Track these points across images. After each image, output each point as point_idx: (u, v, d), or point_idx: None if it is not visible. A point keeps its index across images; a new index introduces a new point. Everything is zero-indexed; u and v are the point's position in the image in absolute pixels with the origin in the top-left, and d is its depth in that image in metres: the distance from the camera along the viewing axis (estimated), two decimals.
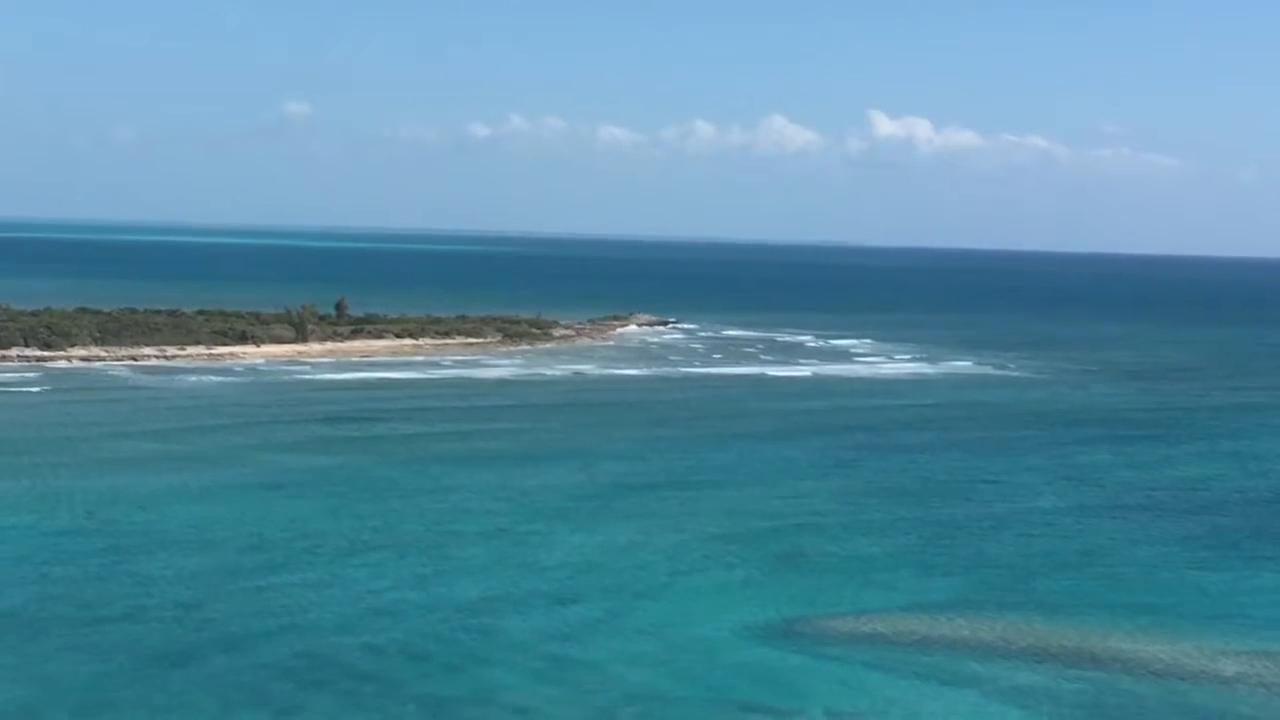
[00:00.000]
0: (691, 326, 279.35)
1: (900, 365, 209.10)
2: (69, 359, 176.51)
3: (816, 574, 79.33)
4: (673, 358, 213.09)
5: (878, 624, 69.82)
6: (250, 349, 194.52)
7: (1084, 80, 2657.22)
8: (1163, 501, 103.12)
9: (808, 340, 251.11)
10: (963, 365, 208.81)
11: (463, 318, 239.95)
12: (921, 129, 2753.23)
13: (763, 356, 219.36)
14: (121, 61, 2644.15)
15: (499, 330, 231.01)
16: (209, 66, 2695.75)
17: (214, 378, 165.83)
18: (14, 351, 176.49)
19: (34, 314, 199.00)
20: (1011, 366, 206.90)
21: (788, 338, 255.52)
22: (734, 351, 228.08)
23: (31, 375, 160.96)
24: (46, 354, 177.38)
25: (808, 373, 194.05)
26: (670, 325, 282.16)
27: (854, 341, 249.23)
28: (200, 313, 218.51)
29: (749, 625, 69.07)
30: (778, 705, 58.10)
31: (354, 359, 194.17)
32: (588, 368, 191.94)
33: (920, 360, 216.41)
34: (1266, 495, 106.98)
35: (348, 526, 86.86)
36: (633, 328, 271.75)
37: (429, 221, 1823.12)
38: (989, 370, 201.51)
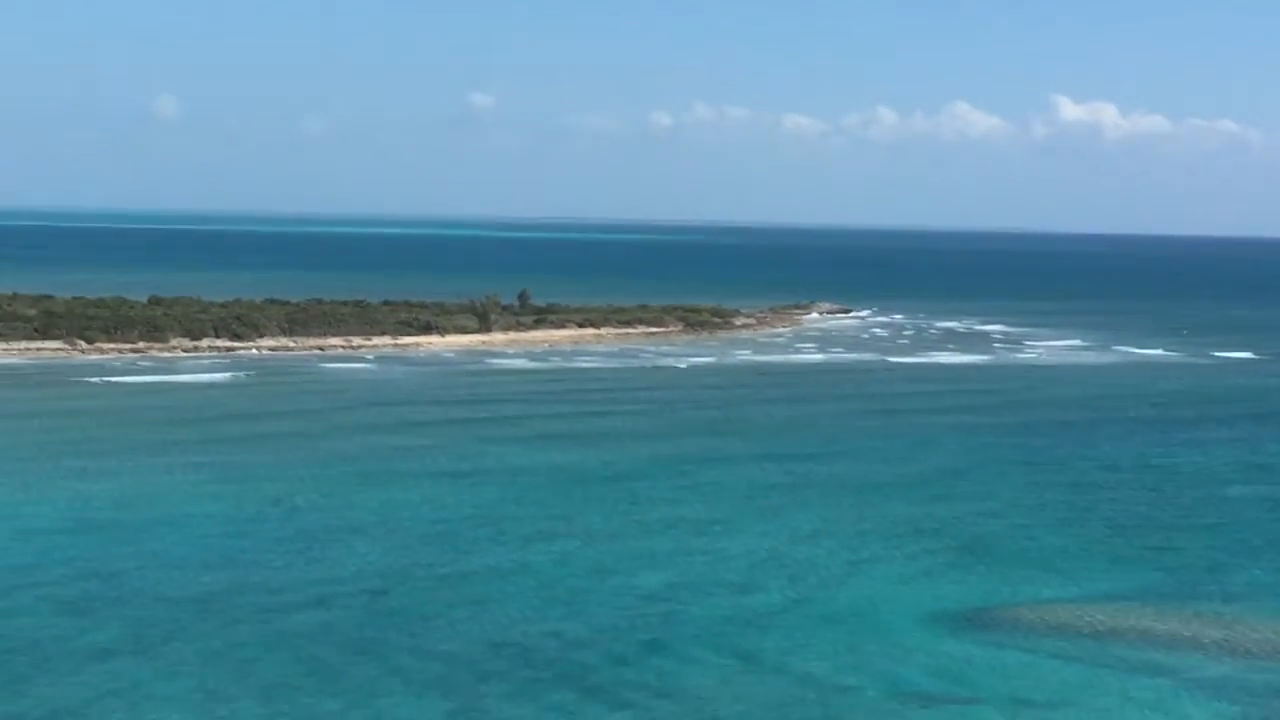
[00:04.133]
0: (874, 314, 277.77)
1: (1086, 353, 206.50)
2: (258, 349, 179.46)
3: (999, 564, 78.59)
4: (854, 346, 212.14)
5: (1062, 614, 69.00)
6: (435, 339, 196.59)
7: (1276, 64, 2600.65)
8: None
9: (993, 327, 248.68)
10: (1154, 353, 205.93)
11: (644, 307, 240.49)
12: (1108, 114, 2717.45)
13: (945, 344, 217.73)
14: (311, 56, 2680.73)
15: (680, 319, 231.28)
16: (396, 59, 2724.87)
17: (399, 367, 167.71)
18: (205, 342, 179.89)
19: (224, 305, 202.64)
20: (1205, 353, 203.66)
21: (972, 325, 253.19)
22: (917, 339, 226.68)
23: (221, 364, 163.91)
24: (236, 344, 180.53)
25: (991, 360, 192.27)
26: (852, 313, 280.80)
27: (1038, 329, 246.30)
28: (385, 303, 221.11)
29: (931, 615, 68.59)
30: (960, 695, 57.65)
31: (537, 348, 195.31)
32: (769, 357, 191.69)
33: (1108, 347, 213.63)
34: None
35: (531, 514, 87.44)
36: (814, 316, 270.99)
37: (611, 212, 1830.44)
38: (1181, 357, 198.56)
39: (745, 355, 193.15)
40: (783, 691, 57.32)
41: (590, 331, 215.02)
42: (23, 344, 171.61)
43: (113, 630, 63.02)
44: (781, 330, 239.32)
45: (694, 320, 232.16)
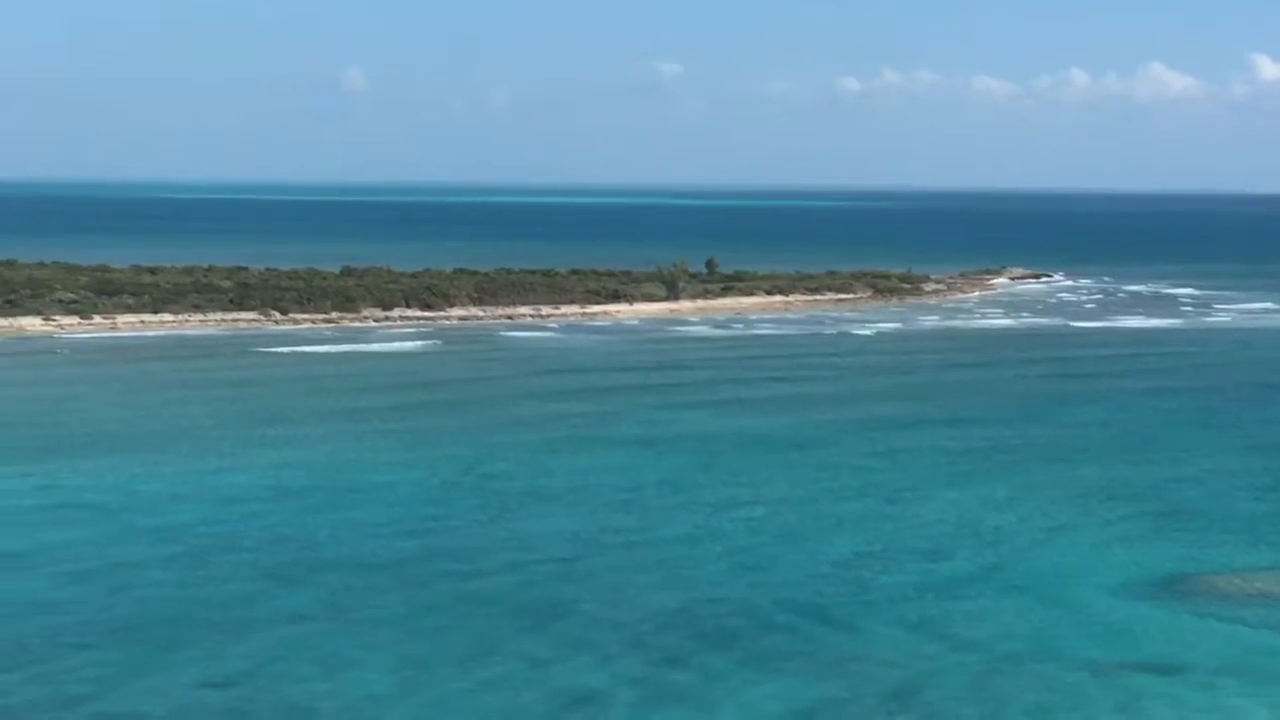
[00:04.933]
0: (1066, 279, 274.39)
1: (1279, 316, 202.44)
2: (448, 319, 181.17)
3: (1198, 531, 77.17)
4: (1043, 310, 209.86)
5: (1262, 582, 67.56)
6: (623, 307, 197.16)
7: None
8: None
9: (1183, 291, 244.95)
10: None
11: (832, 273, 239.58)
12: None
13: (1134, 308, 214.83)
14: (497, 26, 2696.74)
15: (869, 285, 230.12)
16: (583, 29, 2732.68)
17: (586, 335, 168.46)
18: (396, 312, 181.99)
19: (414, 275, 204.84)
20: None
21: (1161, 289, 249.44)
22: (1105, 303, 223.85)
23: (412, 333, 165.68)
24: (426, 314, 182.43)
25: (1181, 324, 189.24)
26: (1042, 278, 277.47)
27: (1229, 292, 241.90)
28: (574, 272, 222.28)
29: (1128, 583, 67.51)
30: (1159, 664, 56.56)
31: (725, 315, 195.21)
32: (956, 322, 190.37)
33: None
34: None
35: (721, 481, 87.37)
36: (1004, 281, 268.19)
37: (798, 178, 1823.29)
38: None
39: (933, 321, 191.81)
40: (974, 660, 56.72)
41: (778, 299, 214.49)
42: (219, 315, 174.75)
43: (309, 596, 63.92)
44: (970, 295, 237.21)
45: (883, 286, 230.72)
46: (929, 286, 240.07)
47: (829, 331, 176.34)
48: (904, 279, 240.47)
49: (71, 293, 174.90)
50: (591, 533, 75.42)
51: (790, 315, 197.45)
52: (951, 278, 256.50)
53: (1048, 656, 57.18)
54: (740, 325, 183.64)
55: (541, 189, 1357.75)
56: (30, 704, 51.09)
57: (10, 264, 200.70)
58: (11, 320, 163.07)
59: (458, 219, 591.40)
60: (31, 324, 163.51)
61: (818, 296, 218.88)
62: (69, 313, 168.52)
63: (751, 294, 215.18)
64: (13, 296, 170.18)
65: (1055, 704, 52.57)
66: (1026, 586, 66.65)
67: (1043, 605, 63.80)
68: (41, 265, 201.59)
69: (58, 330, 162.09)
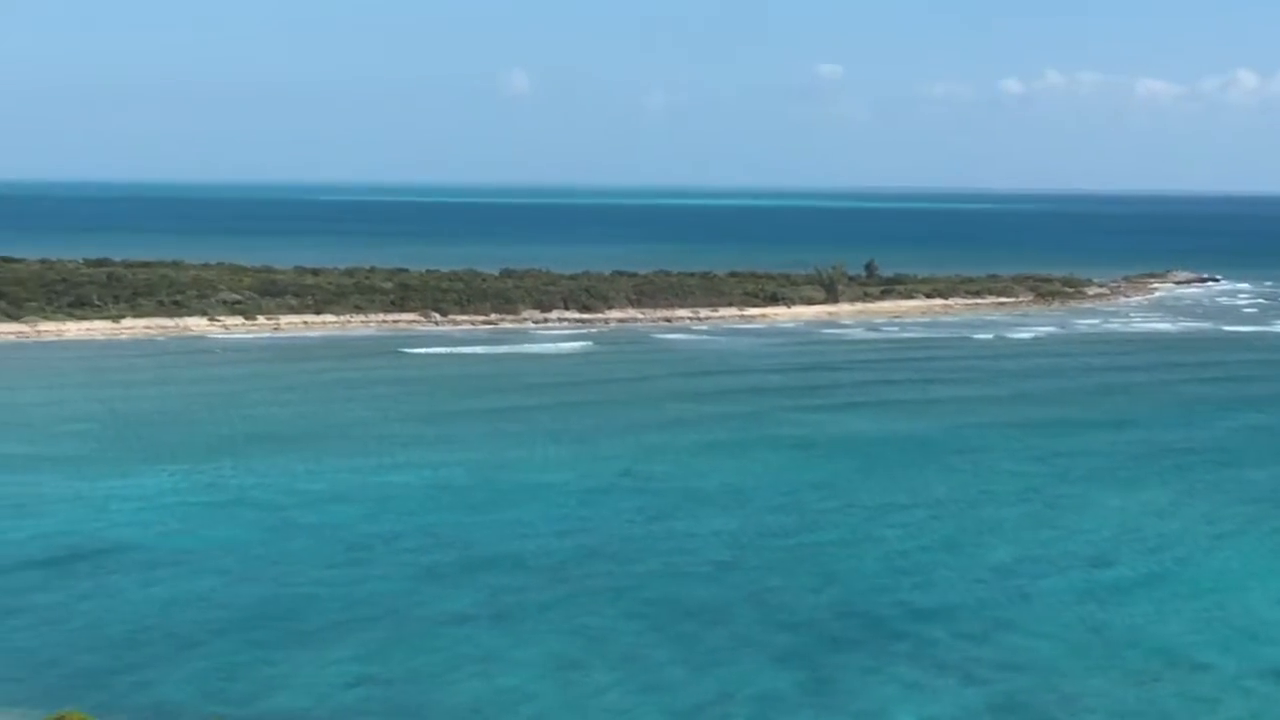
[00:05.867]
0: (1234, 284, 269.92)
1: None
2: (606, 321, 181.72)
3: None
4: (1207, 315, 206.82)
5: None
6: (781, 310, 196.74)
7: None
8: None
9: None
10: None
11: (993, 277, 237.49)
12: None
13: None
14: (660, 29, 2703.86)
15: (1031, 289, 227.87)
16: (744, 32, 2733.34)
17: (744, 338, 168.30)
18: (555, 314, 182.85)
19: (573, 278, 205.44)
20: None
21: None
22: (1271, 309, 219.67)
23: (570, 335, 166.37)
24: (585, 315, 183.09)
25: None
26: (1208, 282, 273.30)
27: None
28: (732, 274, 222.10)
29: None
30: None
31: (883, 318, 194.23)
32: (1117, 326, 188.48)
33: None
34: None
35: (879, 486, 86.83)
36: (1169, 285, 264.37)
37: (959, 181, 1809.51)
38: None
39: (1092, 324, 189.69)
40: (1138, 668, 55.92)
41: (938, 302, 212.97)
42: (380, 316, 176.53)
43: (468, 597, 64.28)
44: (1132, 300, 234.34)
45: (1044, 290, 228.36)
46: (1091, 290, 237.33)
47: (987, 335, 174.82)
48: (1066, 283, 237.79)
49: (236, 293, 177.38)
50: (748, 535, 75.28)
51: (948, 319, 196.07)
52: (1115, 282, 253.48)
53: (1214, 665, 56.24)
54: (896, 328, 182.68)
55: (699, 191, 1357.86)
56: (194, 698, 51.82)
57: (177, 265, 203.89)
58: (177, 320, 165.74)
59: (616, 221, 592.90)
60: (197, 324, 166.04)
61: (978, 300, 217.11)
62: (233, 313, 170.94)
63: (911, 297, 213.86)
64: (179, 297, 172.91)
65: (1222, 715, 51.70)
66: (1192, 593, 65.64)
67: (1209, 612, 62.79)
68: (207, 266, 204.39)
69: (222, 330, 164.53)
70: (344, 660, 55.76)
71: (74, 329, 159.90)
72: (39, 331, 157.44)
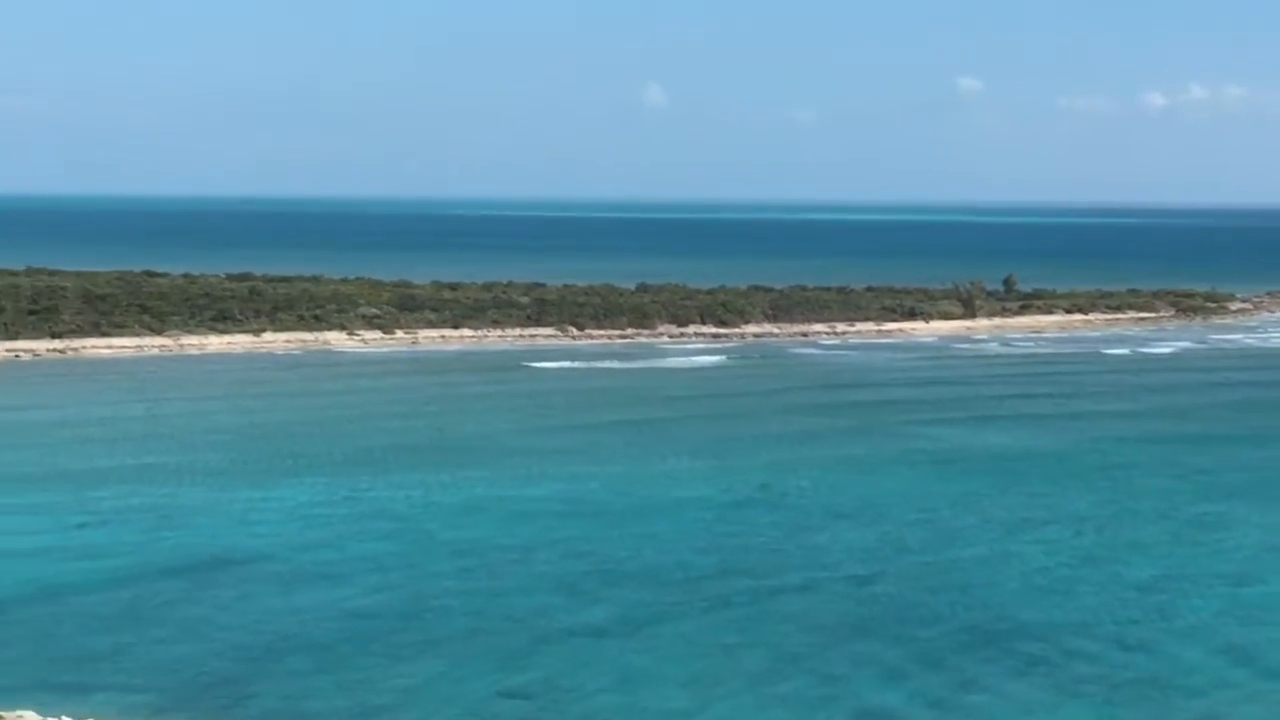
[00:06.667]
0: None
1: None
2: (743, 336, 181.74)
3: None
4: None
5: None
6: (919, 325, 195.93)
7: None
8: None
9: None
10: None
11: (1134, 292, 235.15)
12: None
13: None
14: (800, 44, 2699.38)
15: (1172, 304, 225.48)
16: (884, 46, 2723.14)
17: (880, 353, 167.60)
18: (691, 329, 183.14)
19: (709, 292, 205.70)
20: None
21: None
22: None
23: (707, 349, 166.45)
24: (721, 331, 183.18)
25: None
26: None
27: None
28: (869, 289, 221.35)
29: None
30: None
31: (1021, 333, 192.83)
32: (1255, 340, 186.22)
33: None
34: None
35: (1017, 503, 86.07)
36: None
37: (1100, 194, 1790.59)
38: None
39: (1233, 340, 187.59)
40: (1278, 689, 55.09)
41: (1077, 317, 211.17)
42: (517, 330, 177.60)
43: (604, 611, 64.39)
44: (1276, 314, 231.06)
45: (1186, 305, 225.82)
46: (1234, 305, 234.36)
47: (1124, 350, 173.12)
48: (1208, 297, 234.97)
49: (375, 308, 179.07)
50: (886, 551, 74.88)
51: (1087, 333, 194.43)
52: (1259, 297, 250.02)
53: None
54: (1032, 343, 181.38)
55: (838, 206, 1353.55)
56: (337, 711, 52.18)
57: (316, 279, 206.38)
58: (317, 334, 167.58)
59: (754, 236, 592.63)
60: (336, 338, 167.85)
61: (1118, 315, 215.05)
62: (372, 327, 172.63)
63: (1050, 312, 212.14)
64: (319, 311, 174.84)
65: None
66: None
67: None
68: (346, 281, 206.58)
69: (361, 345, 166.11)
70: (482, 673, 55.97)
71: (216, 342, 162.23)
72: (182, 345, 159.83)
